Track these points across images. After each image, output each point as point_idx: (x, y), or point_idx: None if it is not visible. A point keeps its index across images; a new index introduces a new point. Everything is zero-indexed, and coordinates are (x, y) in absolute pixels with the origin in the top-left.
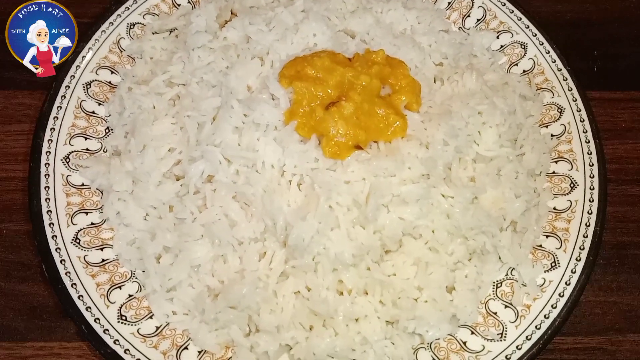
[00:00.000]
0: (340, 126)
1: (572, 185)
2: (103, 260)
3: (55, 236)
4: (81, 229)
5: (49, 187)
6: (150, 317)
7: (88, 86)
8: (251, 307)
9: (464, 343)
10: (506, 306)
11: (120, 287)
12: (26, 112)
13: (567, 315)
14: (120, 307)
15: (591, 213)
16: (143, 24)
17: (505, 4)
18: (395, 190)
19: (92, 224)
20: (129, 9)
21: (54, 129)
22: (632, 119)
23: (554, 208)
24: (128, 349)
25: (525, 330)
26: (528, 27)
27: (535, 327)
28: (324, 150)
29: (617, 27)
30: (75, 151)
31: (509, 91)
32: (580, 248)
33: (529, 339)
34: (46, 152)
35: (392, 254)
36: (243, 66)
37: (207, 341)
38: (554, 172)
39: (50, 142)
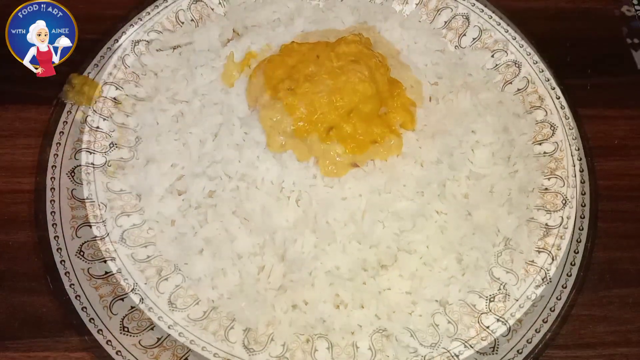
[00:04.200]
0: (338, 148)
1: (563, 201)
2: (106, 272)
3: (60, 249)
4: (85, 242)
5: (54, 201)
6: (152, 329)
7: (93, 102)
8: (250, 320)
9: (457, 356)
10: (498, 320)
11: (122, 299)
12: (33, 127)
13: (558, 329)
14: (123, 319)
15: (582, 229)
16: (147, 41)
17: (500, 23)
18: (390, 206)
19: (95, 237)
20: (133, 26)
21: (60, 144)
22: (624, 136)
23: (546, 224)
24: None
25: (517, 344)
26: (522, 46)
27: (527, 341)
28: (321, 170)
29: (610, 46)
30: (80, 165)
31: (503, 109)
32: (571, 264)
33: (520, 353)
34: (52, 166)
35: (387, 268)
36: (244, 85)
37: (206, 353)
38: (546, 189)
39: (56, 156)
